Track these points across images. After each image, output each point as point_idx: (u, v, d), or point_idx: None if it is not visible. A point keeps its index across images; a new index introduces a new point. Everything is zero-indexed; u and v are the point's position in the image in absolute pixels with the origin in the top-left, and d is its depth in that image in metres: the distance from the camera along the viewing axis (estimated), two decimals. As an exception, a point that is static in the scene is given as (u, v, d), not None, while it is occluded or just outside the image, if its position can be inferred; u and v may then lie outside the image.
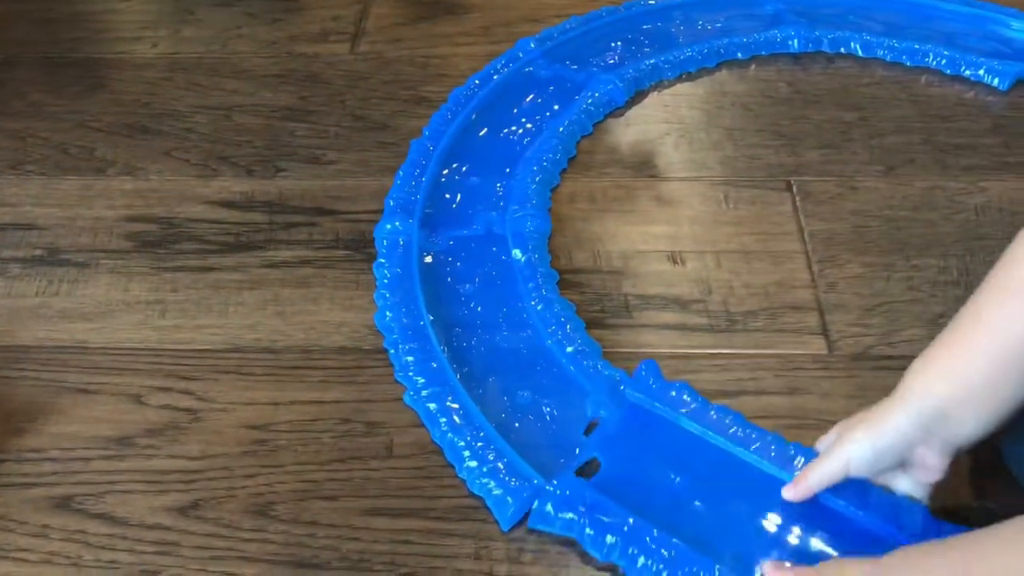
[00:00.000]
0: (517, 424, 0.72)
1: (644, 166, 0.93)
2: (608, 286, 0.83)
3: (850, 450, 0.61)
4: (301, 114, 1.00)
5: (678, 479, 0.67)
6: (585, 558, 0.65)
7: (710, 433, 0.69)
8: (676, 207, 0.89)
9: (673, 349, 0.78)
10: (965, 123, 0.96)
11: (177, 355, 0.79)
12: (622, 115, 0.99)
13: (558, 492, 0.66)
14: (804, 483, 0.63)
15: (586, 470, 0.69)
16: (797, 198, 0.89)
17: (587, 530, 0.65)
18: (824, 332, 0.78)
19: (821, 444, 0.65)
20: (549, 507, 0.66)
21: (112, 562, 0.67)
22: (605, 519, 0.65)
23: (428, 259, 0.84)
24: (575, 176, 0.93)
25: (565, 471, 0.68)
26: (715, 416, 0.70)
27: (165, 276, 0.85)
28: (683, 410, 0.70)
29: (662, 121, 0.98)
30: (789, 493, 0.64)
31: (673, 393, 0.71)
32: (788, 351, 0.77)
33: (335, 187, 0.92)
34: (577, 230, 0.88)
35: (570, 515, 0.65)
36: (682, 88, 1.01)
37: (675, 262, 0.85)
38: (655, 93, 1.01)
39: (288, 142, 0.97)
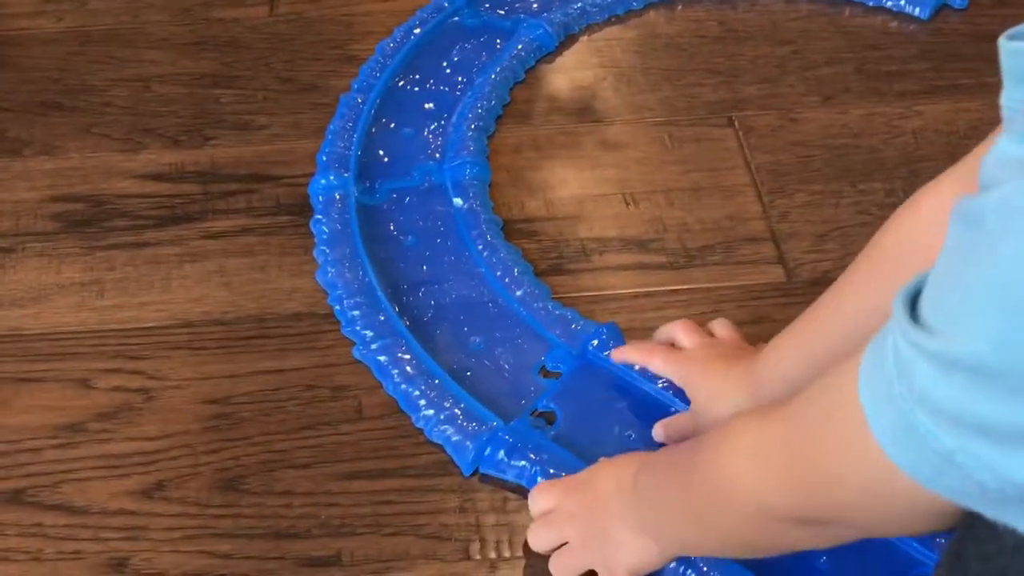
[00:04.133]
0: (471, 371, 0.71)
1: (586, 112, 0.92)
2: (564, 232, 0.82)
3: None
4: (225, 80, 0.96)
5: (632, 435, 0.67)
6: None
7: (663, 391, 0.69)
8: (622, 150, 0.89)
9: (635, 288, 0.77)
10: (894, 51, 0.97)
11: (122, 335, 0.75)
12: (555, 61, 0.97)
13: (510, 439, 0.65)
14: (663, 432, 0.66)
15: (542, 422, 0.68)
16: (740, 133, 0.89)
17: (539, 479, 0.64)
18: (781, 260, 0.79)
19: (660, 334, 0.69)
20: (501, 454, 0.65)
21: (76, 552, 0.63)
22: (555, 469, 0.64)
23: (367, 213, 0.82)
24: (518, 126, 0.91)
25: (521, 418, 0.67)
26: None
27: (99, 255, 0.81)
28: (636, 368, 0.70)
29: (598, 66, 0.97)
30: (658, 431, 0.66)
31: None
32: (748, 281, 0.77)
33: (270, 152, 0.88)
34: (527, 179, 0.86)
35: (522, 463, 0.65)
36: (613, 32, 1.00)
37: (627, 203, 0.84)
38: (585, 38, 1.00)
39: (215, 110, 0.93)
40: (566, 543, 0.59)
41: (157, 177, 0.87)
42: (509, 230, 0.82)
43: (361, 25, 1.02)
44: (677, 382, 0.67)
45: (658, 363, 0.68)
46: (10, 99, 0.95)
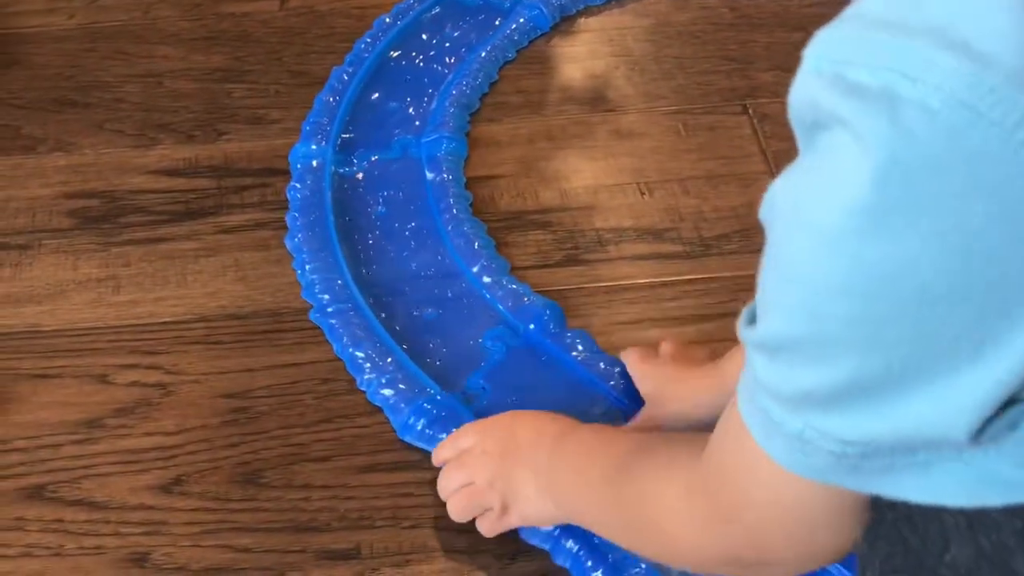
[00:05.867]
0: (422, 340, 0.72)
1: (599, 101, 0.92)
2: (579, 222, 0.81)
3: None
4: (237, 75, 0.96)
5: None
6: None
7: (597, 381, 0.69)
8: (636, 139, 0.88)
9: (652, 278, 0.77)
10: (909, 35, 0.96)
11: (138, 330, 0.75)
12: (568, 51, 0.97)
13: (433, 411, 0.65)
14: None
15: (477, 397, 0.69)
16: (755, 120, 0.89)
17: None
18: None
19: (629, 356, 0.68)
20: (421, 424, 0.65)
21: (97, 548, 0.63)
22: None
23: (342, 181, 0.83)
24: (531, 116, 0.91)
25: (455, 391, 0.67)
26: (603, 367, 0.69)
27: (114, 251, 0.81)
28: (575, 354, 0.70)
29: (610, 55, 0.96)
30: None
31: (568, 340, 0.71)
32: (766, 270, 0.77)
33: (283, 146, 0.88)
34: (540, 169, 0.86)
35: (443, 436, 0.64)
36: (625, 20, 1.00)
37: (642, 193, 0.83)
38: (597, 27, 0.99)
39: (227, 104, 0.93)
40: (472, 483, 0.60)
41: (171, 172, 0.87)
42: (524, 221, 0.82)
43: (372, 18, 1.01)
44: (632, 377, 0.67)
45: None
46: (23, 96, 0.95)
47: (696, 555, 0.48)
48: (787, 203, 0.33)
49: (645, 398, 0.66)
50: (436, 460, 0.63)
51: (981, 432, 0.32)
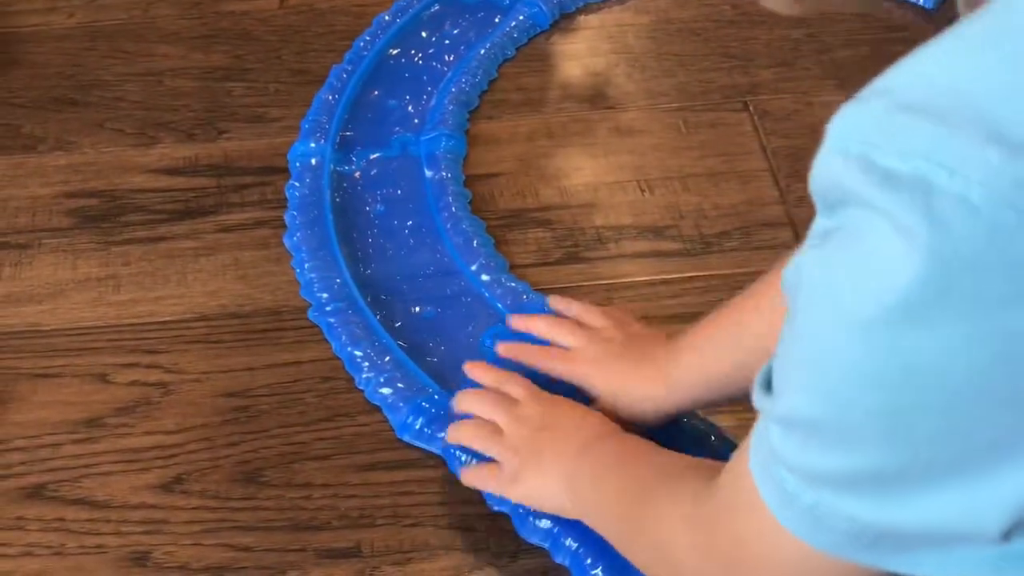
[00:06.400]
0: (420, 339, 0.72)
1: (599, 98, 0.92)
2: (579, 220, 0.81)
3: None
4: (237, 73, 0.96)
5: None
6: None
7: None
8: (637, 136, 0.88)
9: (652, 276, 0.77)
10: (910, 32, 0.96)
11: (139, 329, 0.75)
12: (568, 48, 0.97)
13: (432, 410, 0.66)
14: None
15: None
16: (756, 117, 0.89)
17: (456, 451, 0.64)
18: (799, 245, 0.78)
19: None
20: (419, 423, 0.65)
21: (99, 547, 0.63)
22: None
23: (341, 180, 0.83)
24: (531, 113, 0.90)
25: (451, 391, 0.67)
26: None
27: (114, 250, 0.81)
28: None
29: (611, 52, 0.96)
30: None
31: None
32: (766, 267, 0.76)
33: (283, 144, 0.88)
34: (540, 167, 0.86)
35: (442, 435, 0.64)
36: (626, 17, 1.00)
37: (642, 190, 0.83)
38: (597, 24, 0.99)
39: (227, 103, 0.93)
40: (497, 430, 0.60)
41: (171, 171, 0.87)
42: (523, 219, 0.81)
43: (371, 15, 1.01)
44: (578, 383, 0.64)
45: (551, 365, 0.64)
46: (23, 95, 0.95)
47: None
48: (818, 283, 0.32)
49: (594, 397, 0.64)
50: (473, 373, 0.63)
51: (1015, 528, 0.31)
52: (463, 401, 0.62)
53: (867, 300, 0.29)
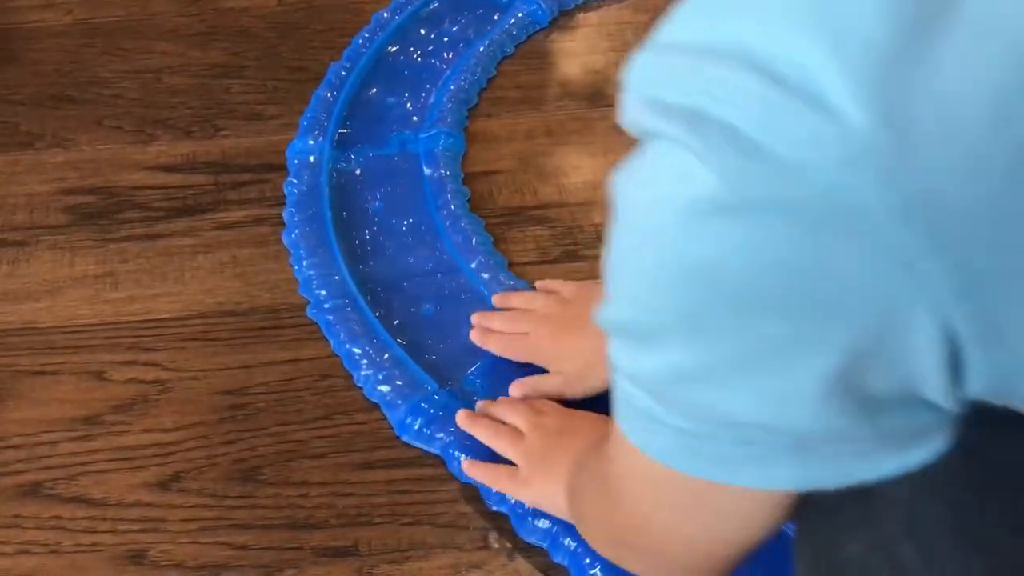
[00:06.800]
0: (419, 337, 0.72)
1: (598, 96, 0.92)
2: (578, 218, 0.81)
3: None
4: (235, 70, 0.95)
5: None
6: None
7: None
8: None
9: (651, 274, 0.77)
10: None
11: (136, 327, 0.75)
12: (567, 46, 0.97)
13: (430, 410, 0.65)
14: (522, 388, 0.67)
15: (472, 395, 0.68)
16: (755, 116, 0.89)
17: (455, 452, 0.64)
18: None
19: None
20: (418, 423, 0.65)
21: (94, 544, 0.63)
22: (469, 442, 0.64)
23: (339, 177, 0.83)
24: (530, 111, 0.90)
25: (451, 389, 0.67)
26: None
27: (112, 248, 0.81)
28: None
29: (609, 50, 0.96)
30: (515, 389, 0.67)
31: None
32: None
33: (281, 142, 0.88)
34: (539, 165, 0.86)
35: (440, 435, 0.64)
36: (624, 15, 0.99)
37: (641, 188, 0.83)
38: (596, 22, 0.99)
39: (225, 100, 0.93)
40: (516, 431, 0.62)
41: (169, 168, 0.87)
42: (522, 217, 0.81)
43: (369, 13, 1.01)
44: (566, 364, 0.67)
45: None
46: (21, 92, 0.95)
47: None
48: (627, 195, 0.35)
49: (561, 376, 0.66)
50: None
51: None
52: (495, 409, 0.64)
53: (663, 207, 0.33)
